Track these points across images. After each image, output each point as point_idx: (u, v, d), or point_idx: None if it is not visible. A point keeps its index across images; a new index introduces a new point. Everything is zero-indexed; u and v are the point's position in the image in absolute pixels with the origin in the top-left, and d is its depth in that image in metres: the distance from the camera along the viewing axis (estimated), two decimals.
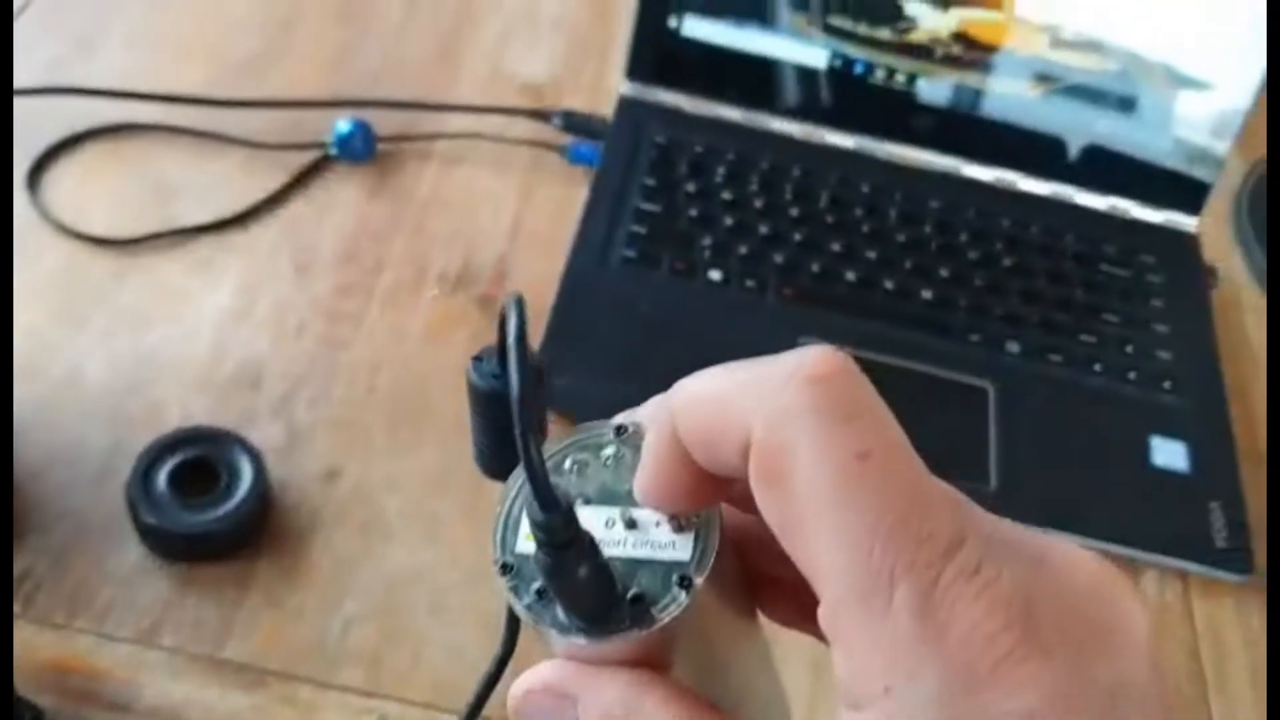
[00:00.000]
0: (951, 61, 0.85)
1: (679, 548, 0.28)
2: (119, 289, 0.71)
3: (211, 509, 0.60)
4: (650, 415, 0.30)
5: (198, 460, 0.62)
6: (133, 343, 0.69)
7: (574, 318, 0.74)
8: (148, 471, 0.61)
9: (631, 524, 0.29)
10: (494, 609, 0.60)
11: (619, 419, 0.30)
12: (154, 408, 0.66)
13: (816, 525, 0.25)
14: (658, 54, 0.87)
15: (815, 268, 0.80)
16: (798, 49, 0.86)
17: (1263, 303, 0.87)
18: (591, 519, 0.29)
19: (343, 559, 0.62)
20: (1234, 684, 0.67)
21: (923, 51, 0.85)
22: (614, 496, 0.29)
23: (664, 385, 0.73)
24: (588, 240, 0.78)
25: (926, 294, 0.80)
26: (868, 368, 0.78)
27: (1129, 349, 0.79)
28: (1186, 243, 0.87)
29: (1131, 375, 0.78)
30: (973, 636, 0.23)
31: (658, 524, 0.29)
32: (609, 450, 0.30)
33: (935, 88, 0.86)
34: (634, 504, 0.29)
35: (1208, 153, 0.86)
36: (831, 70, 0.86)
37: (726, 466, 0.27)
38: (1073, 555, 0.26)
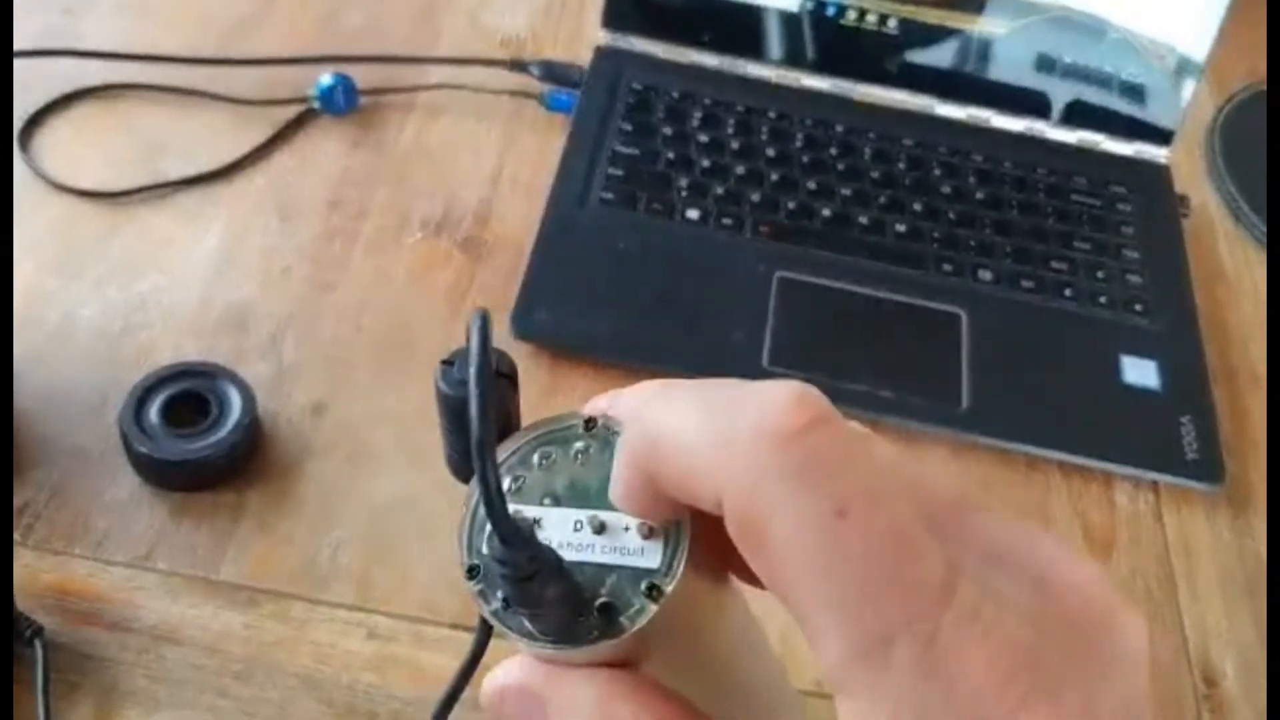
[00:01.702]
0: (923, 1, 0.87)
1: (648, 554, 0.28)
2: (110, 241, 0.73)
3: (203, 438, 0.62)
4: (621, 412, 0.29)
5: (188, 393, 0.64)
6: (124, 290, 0.71)
7: (554, 256, 0.76)
8: (140, 404, 0.63)
9: (600, 528, 0.28)
10: None
11: (588, 409, 0.30)
12: (146, 350, 0.68)
13: (803, 588, 0.24)
14: (633, 2, 0.89)
15: (791, 205, 0.81)
16: None
17: (1234, 231, 0.88)
18: (559, 522, 0.29)
19: (331, 487, 0.64)
20: (1203, 588, 0.68)
21: None
22: (582, 496, 0.29)
23: (644, 318, 0.75)
24: (566, 183, 0.80)
25: (900, 227, 0.81)
26: (843, 298, 0.80)
27: (1100, 274, 0.81)
28: (1158, 173, 0.89)
29: (1102, 299, 0.80)
30: (982, 689, 0.23)
31: (627, 529, 0.28)
32: (578, 444, 0.30)
33: (907, 28, 0.87)
34: (603, 505, 0.28)
35: (1178, 84, 0.87)
36: (805, 13, 0.88)
37: (702, 505, 0.26)
38: (1071, 572, 0.25)
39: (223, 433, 0.63)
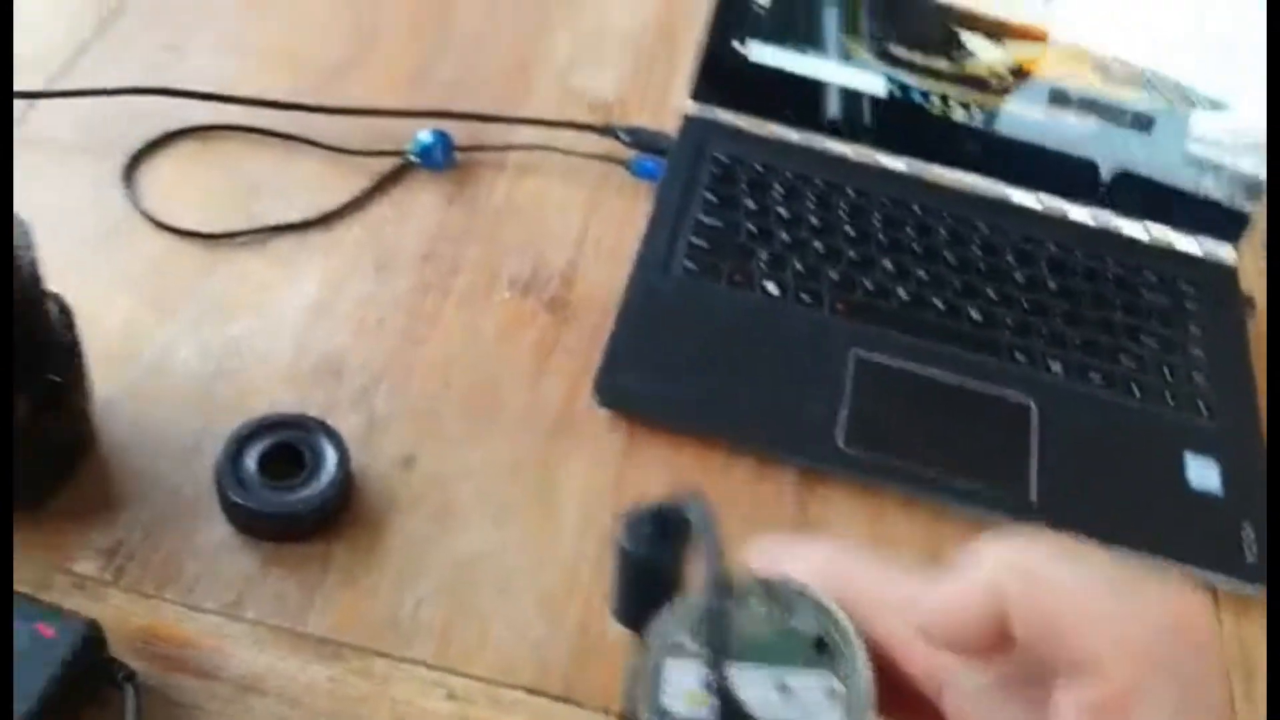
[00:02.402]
0: (1005, 91, 0.88)
1: (828, 715, 0.29)
2: (207, 281, 0.75)
3: (297, 491, 0.64)
4: (817, 571, 0.31)
5: (284, 444, 0.65)
6: (219, 333, 0.73)
7: (638, 323, 0.77)
8: (237, 453, 0.64)
9: (784, 688, 0.30)
10: (557, 592, 0.64)
11: (760, 567, 0.32)
12: (240, 394, 0.70)
13: None
14: (722, 76, 0.90)
15: (868, 284, 0.83)
16: (857, 75, 0.89)
17: None
18: (745, 682, 0.30)
19: (417, 542, 0.66)
20: (1259, 693, 0.69)
21: (978, 83, 0.88)
22: (767, 655, 0.30)
23: (723, 389, 0.77)
24: (651, 250, 0.82)
25: (974, 313, 0.83)
26: (918, 382, 0.82)
27: (1166, 372, 0.82)
28: (1224, 272, 0.90)
29: (1168, 397, 0.81)
30: None
31: (809, 690, 0.30)
32: (755, 603, 0.31)
33: (987, 116, 0.89)
34: (785, 663, 0.30)
35: (1247, 185, 0.88)
36: (888, 97, 0.90)
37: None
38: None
39: (317, 487, 0.64)
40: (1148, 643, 0.26)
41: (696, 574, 0.33)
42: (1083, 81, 0.87)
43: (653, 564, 0.33)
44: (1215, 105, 0.87)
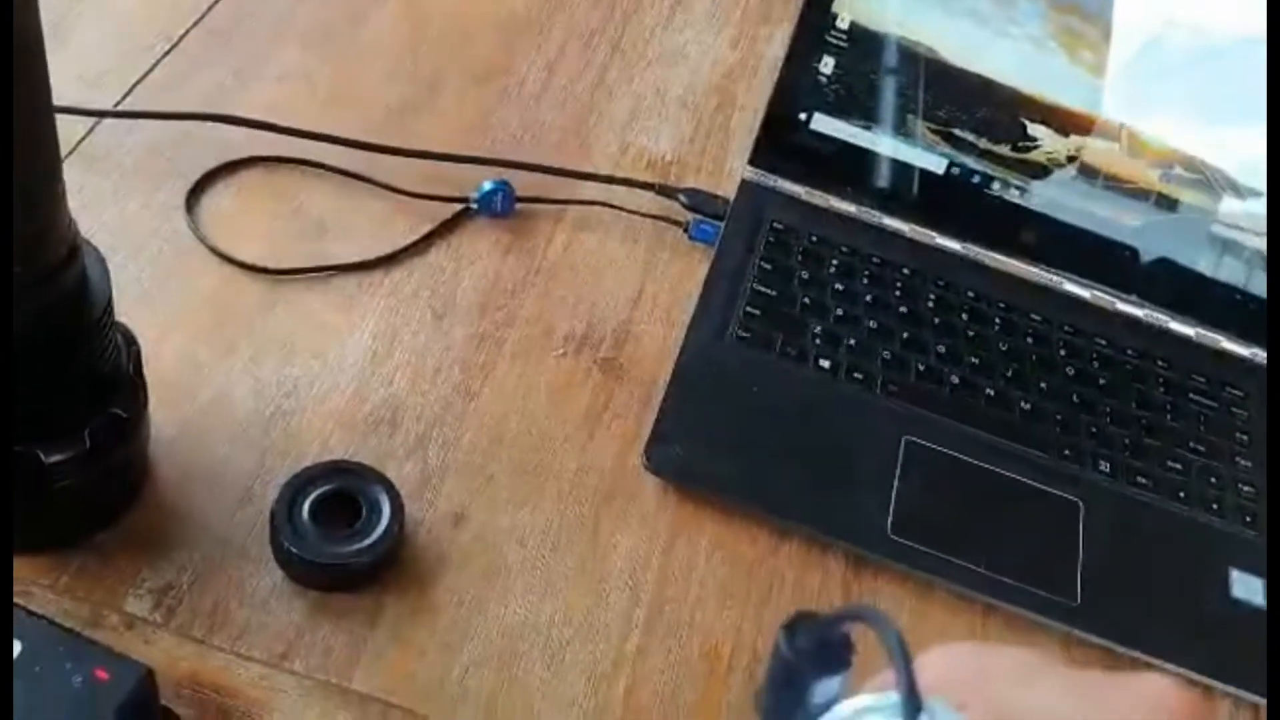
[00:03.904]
0: (1065, 183, 0.88)
1: None
2: (267, 317, 0.74)
3: (351, 542, 0.63)
4: (939, 684, 0.30)
5: (341, 492, 0.64)
6: (277, 372, 0.72)
7: (689, 391, 0.77)
8: (293, 500, 0.63)
9: None
10: (604, 667, 0.63)
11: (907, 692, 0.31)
12: (296, 437, 0.69)
13: None
14: (783, 144, 0.90)
15: (920, 367, 0.82)
16: (919, 155, 0.89)
17: None
18: None
19: (466, 601, 0.65)
20: None
21: (1040, 170, 0.88)
22: None
23: (773, 465, 0.76)
24: (706, 316, 0.81)
25: (1025, 404, 0.82)
26: (969, 471, 0.81)
27: (1214, 480, 0.82)
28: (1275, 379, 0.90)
29: (1215, 507, 0.80)
30: None
31: None
32: None
33: (1046, 205, 0.89)
34: None
35: None
36: (948, 177, 0.90)
37: None
38: None
39: (372, 539, 0.63)
40: None
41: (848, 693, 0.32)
42: (1150, 184, 0.88)
43: (807, 679, 0.33)
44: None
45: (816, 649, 0.33)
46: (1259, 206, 0.88)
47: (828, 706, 0.33)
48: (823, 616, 0.33)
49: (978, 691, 0.30)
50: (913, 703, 0.28)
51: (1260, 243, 0.88)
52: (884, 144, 0.90)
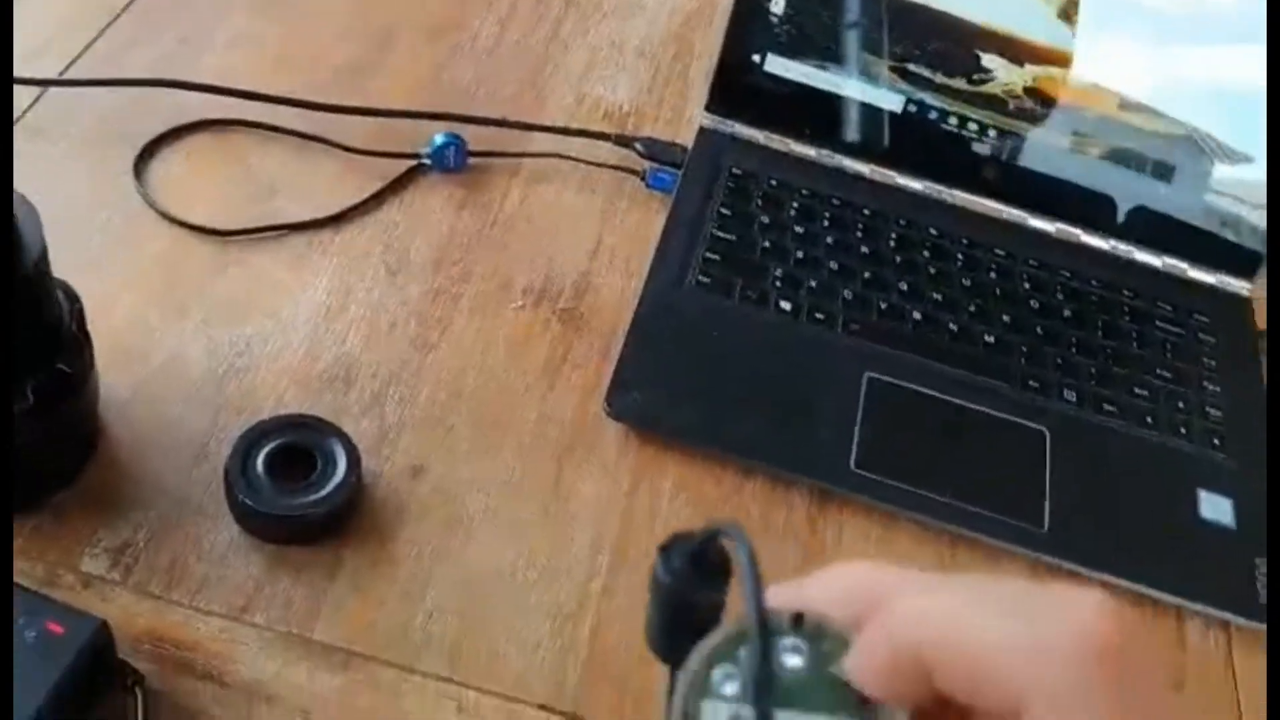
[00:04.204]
0: (1023, 115, 0.88)
1: None
2: (219, 278, 0.74)
3: (307, 494, 0.63)
4: (832, 603, 0.30)
5: (295, 446, 0.64)
6: (230, 332, 0.71)
7: (650, 338, 0.76)
8: (247, 454, 0.63)
9: None
10: (570, 609, 0.63)
11: (790, 603, 0.31)
12: (249, 395, 0.69)
13: None
14: (737, 89, 0.90)
15: (882, 305, 0.82)
16: (874, 93, 0.89)
17: None
18: None
19: (426, 552, 0.65)
20: None
21: (996, 103, 0.88)
22: (793, 695, 0.29)
23: (735, 407, 0.76)
24: (664, 264, 0.81)
25: (989, 338, 0.82)
26: (932, 405, 0.80)
27: (1180, 405, 0.82)
28: (1240, 306, 0.90)
29: (1182, 430, 0.80)
30: None
31: None
32: (787, 641, 0.30)
33: (1004, 139, 0.89)
34: (824, 711, 0.29)
35: (1263, 218, 0.88)
36: (905, 115, 0.89)
37: (985, 703, 0.26)
38: None
39: (327, 490, 0.63)
40: (1070, 682, 0.25)
41: (735, 609, 0.31)
42: (1103, 111, 0.87)
43: (689, 598, 0.32)
44: (1237, 158, 0.87)
45: (693, 568, 0.32)
46: (1223, 133, 0.87)
47: (714, 620, 0.32)
48: (694, 535, 0.32)
49: (876, 607, 0.29)
50: (763, 628, 0.27)
51: (1225, 171, 0.88)
52: (839, 83, 0.89)
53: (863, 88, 0.89)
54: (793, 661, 0.30)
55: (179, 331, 0.71)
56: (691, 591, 0.32)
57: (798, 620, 0.30)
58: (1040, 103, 0.88)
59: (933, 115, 0.89)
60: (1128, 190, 0.89)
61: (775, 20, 0.88)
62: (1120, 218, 0.90)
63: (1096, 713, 0.24)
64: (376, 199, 0.80)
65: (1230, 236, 0.89)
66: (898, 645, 0.28)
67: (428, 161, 0.81)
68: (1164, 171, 0.88)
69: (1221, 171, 0.88)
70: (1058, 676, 0.25)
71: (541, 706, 0.60)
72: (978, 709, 0.27)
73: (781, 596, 0.31)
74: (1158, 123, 0.87)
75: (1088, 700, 0.24)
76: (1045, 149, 0.89)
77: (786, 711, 0.29)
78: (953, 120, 0.89)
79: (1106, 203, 0.90)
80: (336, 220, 0.78)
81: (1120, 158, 0.88)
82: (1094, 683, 0.24)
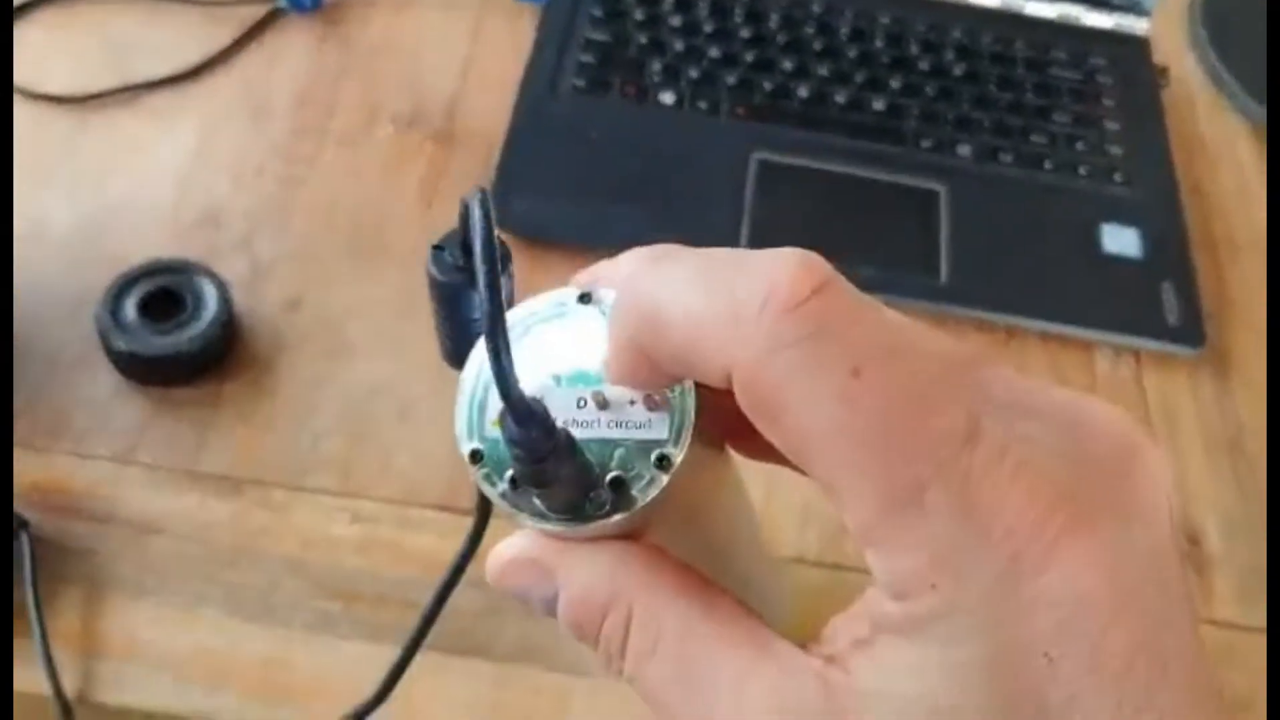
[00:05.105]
0: None
1: (654, 426, 0.27)
2: (81, 145, 0.73)
3: (180, 332, 0.62)
4: (612, 281, 0.28)
5: (164, 289, 0.64)
6: (97, 194, 0.71)
7: (528, 146, 0.75)
8: (116, 301, 0.63)
9: (604, 404, 0.28)
10: None
11: (579, 282, 0.29)
12: (120, 252, 0.68)
13: (826, 454, 0.23)
14: None
15: (767, 86, 0.81)
16: None
17: (1215, 101, 0.88)
18: (561, 400, 0.28)
19: (310, 379, 0.65)
20: (1185, 450, 0.69)
21: None
22: (584, 374, 0.28)
23: (621, 203, 0.75)
24: (538, 72, 0.79)
25: (878, 105, 0.81)
26: (823, 178, 0.79)
27: (1080, 146, 0.80)
28: (1137, 45, 0.88)
29: (1082, 170, 0.79)
30: (1017, 526, 0.22)
31: (631, 402, 0.27)
32: (574, 321, 0.29)
33: None
34: (603, 380, 0.28)
35: None
36: None
37: (706, 379, 0.25)
38: (1094, 413, 0.25)
39: (200, 326, 0.63)
40: (762, 344, 0.23)
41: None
42: None
43: (466, 289, 0.31)
44: None
45: (465, 261, 0.31)
46: None
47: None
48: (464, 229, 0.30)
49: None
50: (489, 277, 0.25)
51: None
52: None
53: None
54: (575, 339, 0.28)
55: (45, 201, 0.70)
56: (466, 285, 0.31)
57: (584, 299, 0.29)
58: None
59: None
60: None
61: None
62: None
63: (792, 364, 0.23)
64: (236, 47, 0.78)
65: None
66: (618, 337, 0.27)
67: (283, 4, 0.80)
68: None
69: None
70: (749, 336, 0.23)
71: (438, 507, 0.61)
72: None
73: (585, 277, 0.30)
74: None
75: (780, 354, 0.23)
76: None
77: (568, 382, 0.28)
78: None
79: None
80: (196, 73, 0.77)
81: None
82: (784, 336, 0.23)
